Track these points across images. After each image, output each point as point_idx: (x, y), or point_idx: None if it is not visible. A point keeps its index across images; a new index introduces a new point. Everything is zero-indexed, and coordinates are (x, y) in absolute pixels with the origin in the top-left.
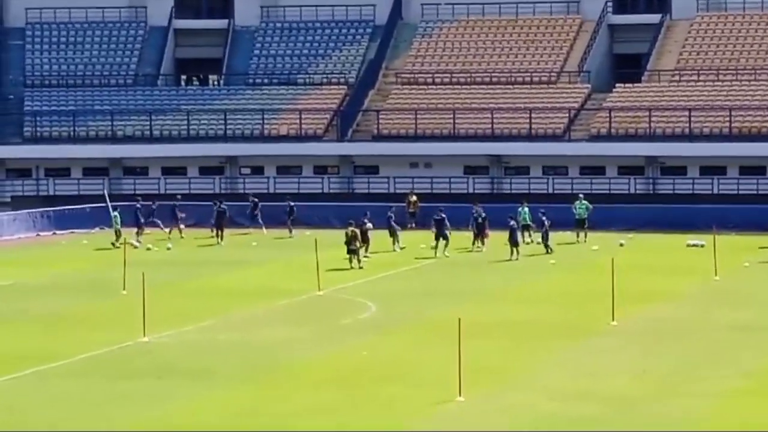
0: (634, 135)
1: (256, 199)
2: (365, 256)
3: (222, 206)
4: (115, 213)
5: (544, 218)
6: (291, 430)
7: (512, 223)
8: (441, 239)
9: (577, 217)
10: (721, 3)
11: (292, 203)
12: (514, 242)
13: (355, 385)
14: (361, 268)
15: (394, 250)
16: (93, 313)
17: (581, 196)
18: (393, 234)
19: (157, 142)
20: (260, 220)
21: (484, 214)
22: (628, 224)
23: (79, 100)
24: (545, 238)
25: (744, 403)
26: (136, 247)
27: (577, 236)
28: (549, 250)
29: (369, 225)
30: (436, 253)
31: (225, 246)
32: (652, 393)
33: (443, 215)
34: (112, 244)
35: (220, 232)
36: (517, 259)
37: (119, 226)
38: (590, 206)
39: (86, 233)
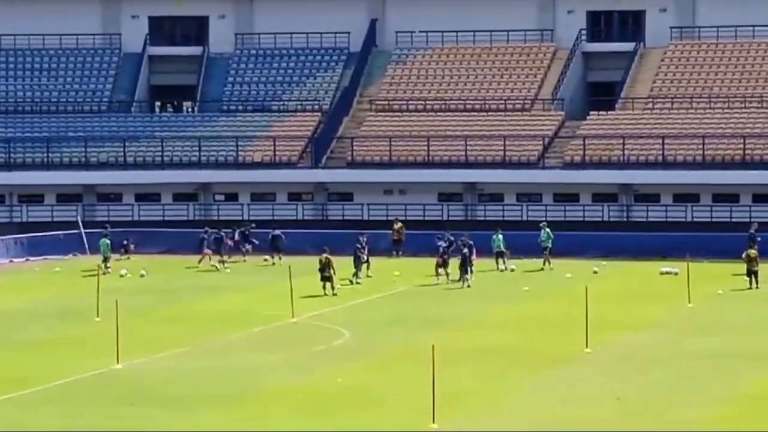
0: (607, 162)
1: (254, 225)
2: (369, 275)
3: (204, 234)
4: (105, 239)
5: (465, 248)
6: None
7: (465, 250)
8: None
9: (542, 245)
10: (694, 31)
11: (276, 232)
12: (464, 269)
13: (329, 411)
14: (335, 294)
15: (369, 276)
16: (66, 339)
17: (543, 224)
18: (365, 261)
19: (131, 169)
20: (247, 246)
21: (471, 242)
22: (601, 251)
23: (53, 127)
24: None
25: (718, 430)
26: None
27: (544, 263)
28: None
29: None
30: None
31: (198, 273)
32: (626, 420)
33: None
34: (99, 268)
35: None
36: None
37: (109, 253)
38: (551, 234)
39: (60, 260)
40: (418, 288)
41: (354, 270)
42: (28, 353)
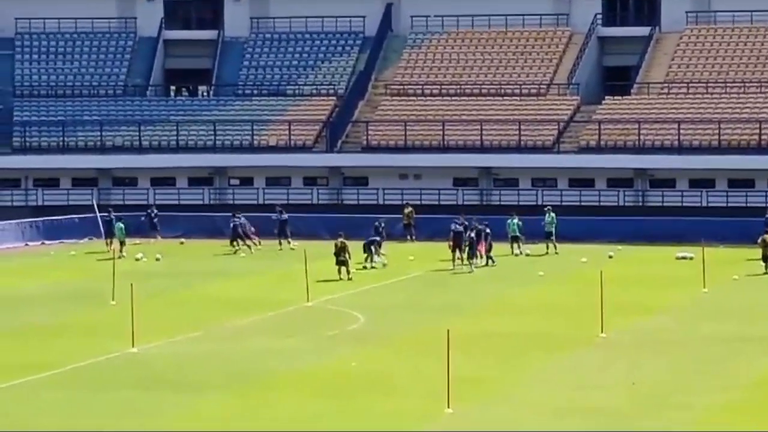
0: (623, 147)
1: (282, 210)
2: (373, 266)
3: (235, 219)
4: (120, 224)
5: (487, 230)
6: None
7: (472, 234)
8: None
9: (546, 229)
10: (710, 16)
11: (284, 216)
12: (472, 253)
13: (343, 396)
14: (350, 279)
15: (366, 267)
16: (82, 323)
17: (548, 208)
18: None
19: (146, 153)
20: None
21: (485, 228)
22: (616, 236)
23: (68, 111)
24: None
25: (734, 416)
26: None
27: (547, 247)
28: (491, 261)
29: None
30: (487, 262)
31: (213, 257)
32: (641, 406)
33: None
34: (113, 252)
35: (238, 243)
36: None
37: (124, 237)
38: (556, 218)
39: (75, 243)
40: (432, 273)
41: (366, 255)
42: (43, 336)
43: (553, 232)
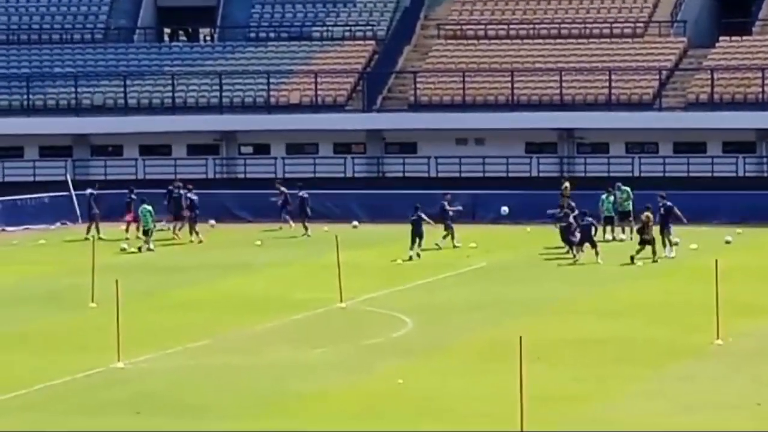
0: (743, 102)
1: (284, 188)
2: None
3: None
4: (147, 206)
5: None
6: None
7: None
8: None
9: (620, 209)
10: None
11: (304, 194)
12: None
13: (387, 422)
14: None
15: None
16: (54, 331)
17: (619, 184)
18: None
19: (134, 114)
20: (286, 215)
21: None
22: (736, 216)
23: (34, 62)
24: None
25: None
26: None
27: (623, 231)
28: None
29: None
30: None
31: (223, 246)
32: None
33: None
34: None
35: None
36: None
37: (150, 225)
38: (631, 193)
39: (45, 230)
40: (500, 263)
41: (446, 233)
42: (5, 348)
43: (631, 211)
